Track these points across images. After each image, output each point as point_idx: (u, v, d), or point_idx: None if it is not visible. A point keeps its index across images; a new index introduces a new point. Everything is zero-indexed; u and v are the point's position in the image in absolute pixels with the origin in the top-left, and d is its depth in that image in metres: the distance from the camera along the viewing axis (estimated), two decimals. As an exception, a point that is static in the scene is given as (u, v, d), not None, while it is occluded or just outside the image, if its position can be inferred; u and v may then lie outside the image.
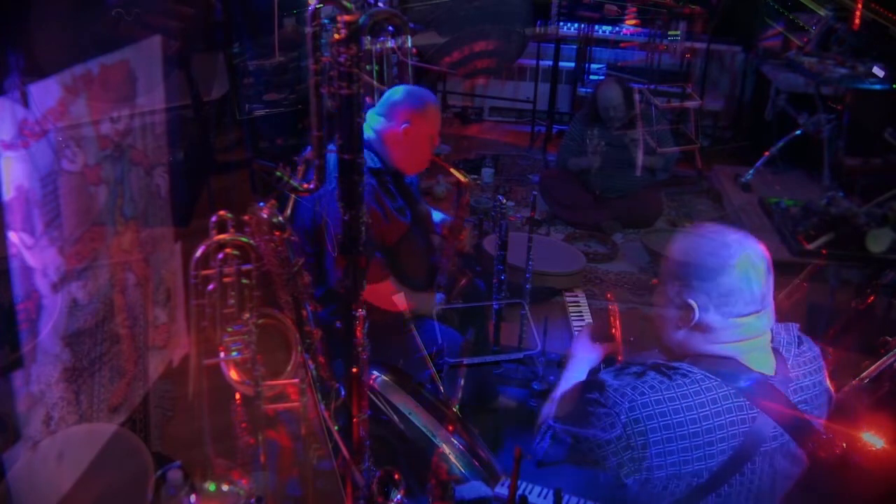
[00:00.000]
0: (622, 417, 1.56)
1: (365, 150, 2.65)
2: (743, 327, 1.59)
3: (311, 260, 2.56)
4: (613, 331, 2.05)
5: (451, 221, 2.86)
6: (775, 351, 1.67)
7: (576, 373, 1.94)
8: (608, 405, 1.59)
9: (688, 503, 1.59)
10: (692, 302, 1.59)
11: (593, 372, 1.94)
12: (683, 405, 1.55)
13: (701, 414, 1.54)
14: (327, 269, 2.55)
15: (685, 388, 1.56)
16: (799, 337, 1.73)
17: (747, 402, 1.57)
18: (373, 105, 2.80)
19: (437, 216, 3.01)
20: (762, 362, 1.63)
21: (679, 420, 1.54)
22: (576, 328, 3.33)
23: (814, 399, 1.67)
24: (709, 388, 1.56)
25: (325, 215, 2.42)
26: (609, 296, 2.03)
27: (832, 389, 1.75)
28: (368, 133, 2.70)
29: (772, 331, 1.68)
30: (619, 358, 1.98)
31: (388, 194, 2.69)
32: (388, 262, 2.70)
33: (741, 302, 1.56)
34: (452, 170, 2.83)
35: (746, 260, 1.58)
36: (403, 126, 2.65)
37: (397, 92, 2.73)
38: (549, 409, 1.84)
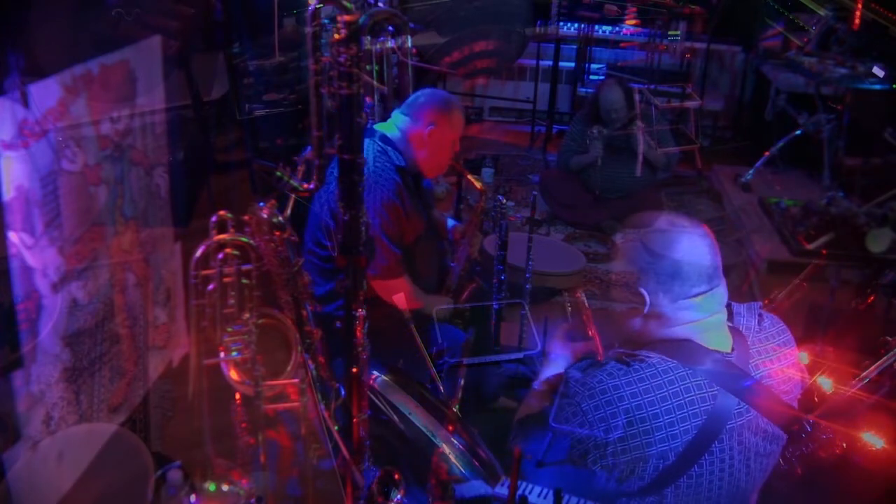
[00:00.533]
0: (583, 405, 1.60)
1: (391, 149, 2.67)
2: (694, 308, 1.63)
3: (327, 253, 2.56)
4: (589, 330, 2.08)
5: (464, 226, 2.88)
6: (734, 330, 1.70)
7: (549, 371, 1.98)
8: (570, 395, 1.64)
9: (658, 487, 1.62)
10: (642, 290, 1.65)
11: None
12: (641, 388, 1.58)
13: (659, 395, 1.57)
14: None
15: (642, 371, 1.60)
16: (760, 314, 1.76)
17: (706, 381, 1.59)
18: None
19: (449, 222, 3.03)
20: (719, 341, 1.66)
21: (637, 403, 1.57)
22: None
23: (779, 374, 1.70)
24: (665, 371, 1.59)
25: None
26: (578, 294, 2.05)
27: (804, 368, 1.78)
28: (393, 132, 2.73)
29: (731, 311, 1.71)
30: (599, 357, 1.98)
31: (410, 193, 2.71)
32: (405, 260, 2.71)
33: (687, 283, 1.61)
34: (470, 176, 2.88)
35: (687, 242, 1.63)
36: (429, 128, 2.68)
37: (425, 93, 2.77)
38: (522, 409, 1.90)
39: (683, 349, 1.62)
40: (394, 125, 2.73)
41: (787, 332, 1.77)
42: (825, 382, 1.85)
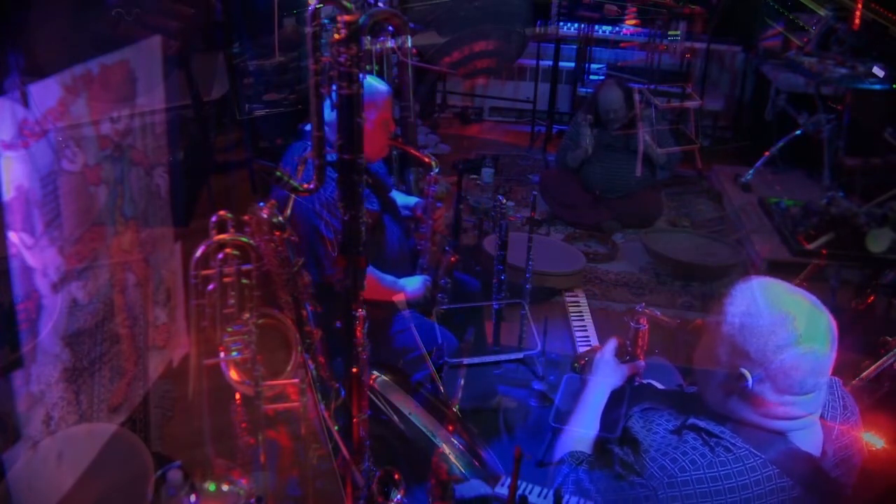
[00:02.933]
0: (659, 493, 1.46)
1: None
2: (797, 405, 1.47)
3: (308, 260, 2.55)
4: (639, 351, 1.92)
5: (423, 203, 2.87)
6: (822, 421, 1.57)
7: (597, 395, 1.81)
8: (644, 476, 1.49)
9: None
10: (745, 372, 1.45)
11: (615, 394, 1.82)
12: (726, 486, 1.44)
13: (743, 496, 1.44)
14: (322, 261, 2.55)
15: (728, 466, 1.45)
16: (843, 399, 1.62)
17: (790, 483, 1.46)
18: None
19: (408, 199, 3.03)
20: (811, 441, 1.52)
21: (720, 501, 1.44)
22: (576, 328, 3.33)
23: (846, 463, 1.59)
24: (753, 468, 1.45)
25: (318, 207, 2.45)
26: (643, 320, 1.91)
27: (865, 449, 1.66)
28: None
29: None
30: (638, 377, 1.88)
31: None
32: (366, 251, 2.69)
33: (801, 381, 1.43)
34: (413, 151, 2.89)
35: (813, 338, 1.43)
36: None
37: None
38: (575, 430, 1.74)
39: (776, 445, 1.47)
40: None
41: (857, 414, 1.63)
42: (872, 438, 1.82)
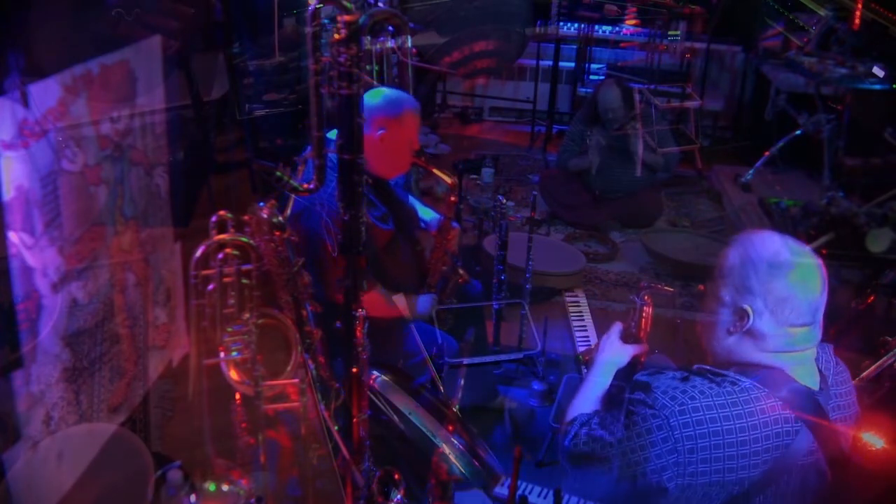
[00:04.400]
0: (671, 420, 1.54)
1: None
2: (793, 338, 1.57)
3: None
4: (643, 333, 1.98)
5: (439, 221, 2.83)
6: (818, 370, 1.66)
7: (602, 374, 1.87)
8: (656, 407, 1.56)
9: None
10: (747, 307, 1.57)
11: (619, 374, 1.87)
12: (733, 413, 1.53)
13: (749, 423, 1.53)
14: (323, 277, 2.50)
15: (735, 395, 1.54)
16: (836, 358, 1.72)
17: (792, 416, 1.55)
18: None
19: (428, 214, 2.95)
20: (808, 376, 1.61)
21: (728, 427, 1.52)
22: (576, 328, 3.33)
23: (847, 419, 1.67)
24: (757, 399, 1.55)
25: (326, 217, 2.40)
26: (647, 298, 1.97)
27: (858, 411, 1.73)
28: None
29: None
30: (642, 359, 1.92)
31: (369, 204, 2.62)
32: (375, 269, 2.65)
33: (796, 311, 1.55)
34: (436, 171, 2.79)
35: (806, 269, 1.57)
36: (379, 133, 2.57)
37: (374, 96, 2.63)
38: (580, 407, 1.80)
39: (776, 379, 1.57)
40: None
41: (850, 380, 1.74)
42: (872, 438, 1.83)
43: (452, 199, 2.80)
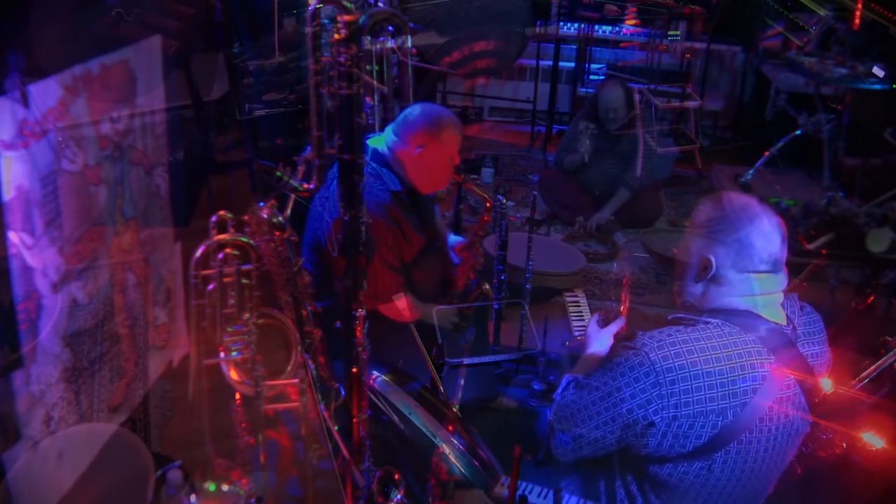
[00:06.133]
0: (651, 355, 1.63)
1: (385, 170, 2.60)
2: (757, 282, 1.69)
3: (315, 272, 2.51)
4: (622, 307, 2.12)
5: (468, 241, 2.83)
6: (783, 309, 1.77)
7: (593, 354, 1.98)
8: (637, 346, 1.67)
9: (711, 448, 1.66)
10: (710, 256, 1.69)
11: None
12: (708, 345, 1.64)
13: (724, 354, 1.63)
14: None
15: (708, 331, 1.66)
16: (801, 305, 1.83)
17: (765, 349, 1.66)
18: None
19: (452, 239, 2.96)
20: (775, 316, 1.72)
21: (705, 358, 1.62)
22: (576, 328, 3.33)
23: (818, 358, 1.77)
24: (729, 334, 1.66)
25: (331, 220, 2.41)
26: (624, 279, 2.19)
27: (830, 354, 1.84)
28: (384, 150, 2.63)
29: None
30: (624, 330, 2.02)
31: (405, 213, 2.63)
32: (405, 278, 2.67)
33: (756, 258, 1.67)
34: (475, 188, 2.82)
35: (765, 222, 1.69)
36: (418, 150, 2.57)
37: (415, 111, 2.63)
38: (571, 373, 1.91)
39: (744, 318, 1.68)
40: (385, 143, 2.62)
41: (821, 323, 1.84)
42: (825, 382, 1.85)
43: (486, 217, 2.80)
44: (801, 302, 1.84)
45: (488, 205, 2.80)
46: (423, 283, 2.75)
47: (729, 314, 1.69)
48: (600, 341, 2.00)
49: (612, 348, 1.91)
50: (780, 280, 1.72)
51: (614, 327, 2.01)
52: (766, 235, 1.69)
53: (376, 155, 2.64)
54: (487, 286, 2.91)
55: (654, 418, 1.64)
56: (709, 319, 1.70)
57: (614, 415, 1.69)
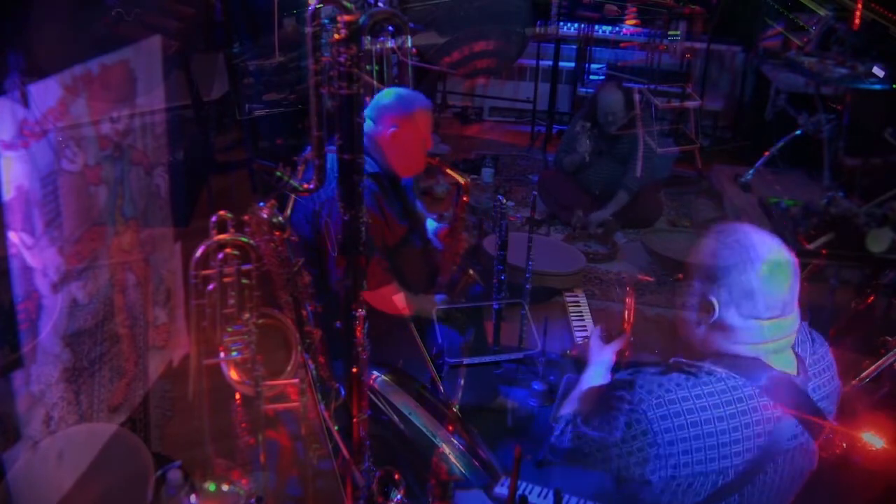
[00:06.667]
0: (648, 414, 1.55)
1: (365, 156, 2.62)
2: (764, 330, 1.57)
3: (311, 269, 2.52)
4: (626, 325, 2.03)
5: (449, 225, 2.85)
6: (795, 352, 1.67)
7: (595, 377, 1.91)
8: (634, 402, 1.57)
9: (713, 501, 1.58)
10: (713, 299, 1.58)
11: (611, 370, 1.92)
12: (710, 402, 1.54)
13: (727, 412, 1.54)
14: (330, 272, 2.54)
15: (711, 385, 1.56)
16: (811, 334, 1.73)
17: (771, 402, 1.56)
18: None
19: (430, 224, 2.99)
20: (785, 363, 1.62)
21: (706, 417, 1.54)
22: (576, 328, 3.33)
23: (829, 396, 1.68)
24: (734, 387, 1.56)
25: (329, 220, 2.41)
26: (629, 289, 2.03)
27: (840, 383, 1.75)
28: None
29: None
30: (627, 354, 1.96)
31: (387, 198, 2.68)
32: (389, 265, 2.69)
33: (762, 304, 1.55)
34: (449, 170, 2.82)
35: (772, 262, 1.56)
36: (391, 130, 2.63)
37: (386, 95, 2.69)
38: (569, 407, 1.82)
39: (751, 367, 1.57)
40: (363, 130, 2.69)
41: (830, 354, 1.74)
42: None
43: (465, 198, 2.82)
44: (812, 331, 1.73)
45: (464, 183, 2.80)
46: (410, 272, 2.77)
47: (734, 362, 1.58)
48: (602, 361, 1.93)
49: (612, 382, 1.78)
50: (792, 323, 1.60)
51: (617, 345, 1.94)
52: (774, 279, 1.55)
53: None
54: (472, 271, 2.91)
55: (650, 477, 1.57)
56: (712, 368, 1.58)
57: (610, 468, 1.63)
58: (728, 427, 1.54)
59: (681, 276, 1.76)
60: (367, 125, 2.67)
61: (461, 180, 2.78)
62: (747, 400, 1.55)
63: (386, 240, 2.68)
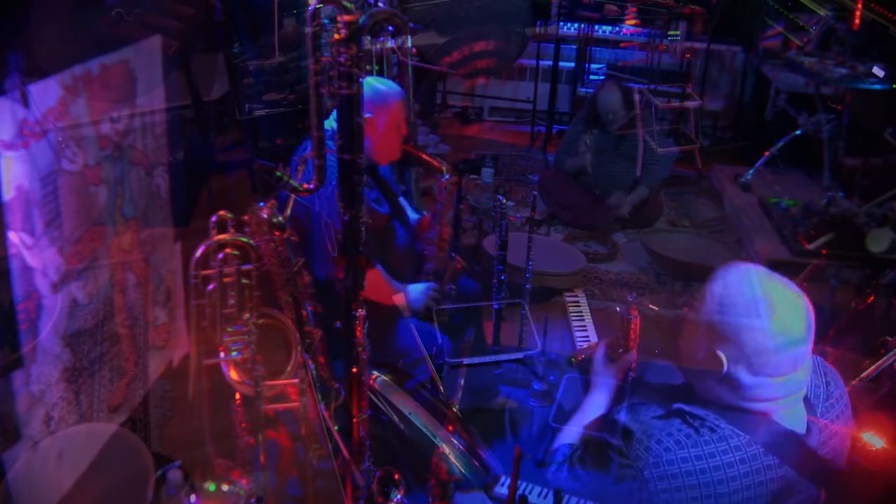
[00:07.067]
0: (645, 473, 1.49)
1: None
2: (774, 387, 1.48)
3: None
4: (631, 343, 1.93)
5: (433, 213, 2.86)
6: (805, 400, 1.58)
7: (598, 398, 1.83)
8: (631, 457, 1.51)
9: None
10: (721, 354, 1.47)
11: (615, 393, 1.83)
12: (711, 464, 1.47)
13: (729, 474, 1.46)
14: (315, 263, 2.53)
15: (713, 445, 1.47)
16: (826, 375, 1.63)
17: (777, 461, 1.49)
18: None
19: (411, 215, 3.01)
20: (795, 419, 1.53)
21: (706, 480, 1.46)
22: (576, 328, 3.33)
23: (840, 442, 1.61)
24: (737, 447, 1.47)
25: (322, 211, 2.42)
26: (634, 311, 1.94)
27: (853, 422, 1.68)
28: (334, 126, 2.71)
29: None
30: (632, 371, 1.88)
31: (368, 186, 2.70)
32: (373, 253, 2.70)
33: (774, 363, 1.45)
34: (425, 156, 2.85)
35: (784, 318, 1.45)
36: (367, 116, 2.65)
37: (362, 83, 2.75)
38: (568, 438, 1.76)
39: (758, 424, 1.49)
40: (333, 119, 2.72)
41: (845, 394, 1.66)
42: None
43: (443, 184, 2.83)
44: (827, 369, 1.63)
45: (442, 169, 2.80)
46: (393, 260, 2.79)
47: (741, 417, 1.49)
48: (606, 384, 1.83)
49: (609, 421, 1.69)
50: (804, 374, 1.50)
51: (622, 366, 1.85)
52: (787, 336, 1.44)
53: (334, 133, 2.69)
54: (458, 257, 2.92)
55: None
56: (716, 423, 1.49)
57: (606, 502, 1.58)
58: (729, 489, 1.46)
59: (686, 308, 1.65)
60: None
61: (438, 165, 2.80)
62: (750, 461, 1.47)
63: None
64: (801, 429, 1.54)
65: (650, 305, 2.11)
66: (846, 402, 1.64)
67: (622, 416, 1.63)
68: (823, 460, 1.55)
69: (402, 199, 3.00)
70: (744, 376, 1.47)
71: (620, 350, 1.89)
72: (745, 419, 1.49)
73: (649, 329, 1.71)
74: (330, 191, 2.38)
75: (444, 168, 2.80)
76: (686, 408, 1.53)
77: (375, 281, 2.62)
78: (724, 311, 1.48)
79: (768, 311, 1.45)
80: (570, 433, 1.78)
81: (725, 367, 1.47)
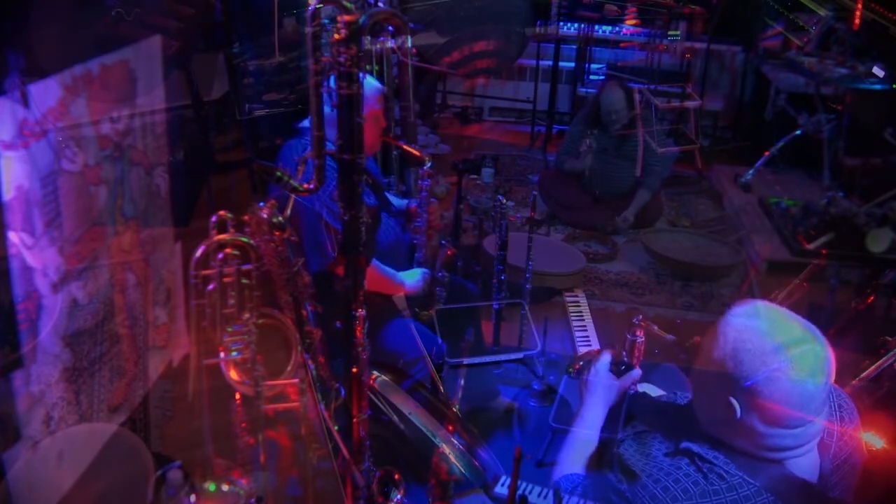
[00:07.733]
0: None
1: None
2: (788, 438, 1.41)
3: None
4: (635, 361, 1.89)
5: (418, 201, 2.87)
6: (820, 442, 1.52)
7: (593, 415, 1.78)
8: (629, 497, 1.46)
9: None
10: (734, 402, 1.40)
11: (612, 409, 1.79)
12: None
13: None
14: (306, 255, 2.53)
15: (722, 495, 1.40)
16: (840, 409, 1.56)
17: None
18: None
19: (398, 202, 3.02)
20: (807, 467, 1.47)
21: None
22: (576, 328, 3.32)
23: (849, 464, 1.56)
24: (746, 497, 1.40)
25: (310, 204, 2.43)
26: (640, 332, 1.88)
27: (865, 449, 1.61)
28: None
29: None
30: (633, 388, 1.84)
31: None
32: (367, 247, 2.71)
33: (786, 416, 1.38)
34: (406, 147, 2.86)
35: (804, 371, 1.36)
36: None
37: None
38: (567, 467, 1.71)
39: (771, 472, 1.42)
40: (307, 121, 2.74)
41: (858, 429, 1.58)
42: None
43: (426, 173, 2.84)
44: (840, 403, 1.55)
45: (423, 159, 2.82)
46: (385, 252, 2.79)
47: (751, 463, 1.42)
48: (608, 400, 1.78)
49: (613, 456, 1.60)
50: (818, 426, 1.42)
51: (625, 383, 1.81)
52: (805, 388, 1.35)
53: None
54: (446, 243, 2.93)
55: None
56: (725, 469, 1.42)
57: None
58: None
59: (698, 339, 1.57)
60: (325, 110, 2.72)
61: (417, 154, 2.81)
62: None
63: None
64: (813, 476, 1.48)
65: (657, 330, 2.03)
66: (858, 441, 1.57)
67: (626, 449, 1.59)
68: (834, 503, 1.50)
69: (382, 186, 3.01)
70: (758, 425, 1.40)
71: (623, 367, 1.84)
72: (755, 465, 1.43)
73: (654, 345, 1.67)
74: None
75: (424, 158, 2.82)
76: (695, 448, 1.47)
77: (374, 275, 2.63)
78: (738, 357, 1.39)
79: (785, 361, 1.36)
80: (568, 458, 1.72)
81: (738, 416, 1.40)
